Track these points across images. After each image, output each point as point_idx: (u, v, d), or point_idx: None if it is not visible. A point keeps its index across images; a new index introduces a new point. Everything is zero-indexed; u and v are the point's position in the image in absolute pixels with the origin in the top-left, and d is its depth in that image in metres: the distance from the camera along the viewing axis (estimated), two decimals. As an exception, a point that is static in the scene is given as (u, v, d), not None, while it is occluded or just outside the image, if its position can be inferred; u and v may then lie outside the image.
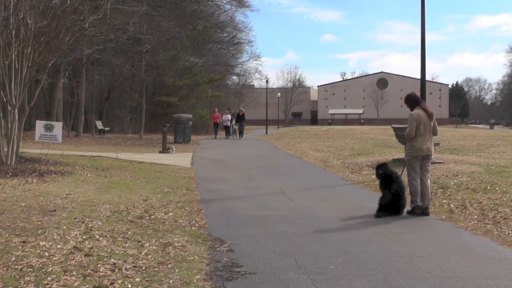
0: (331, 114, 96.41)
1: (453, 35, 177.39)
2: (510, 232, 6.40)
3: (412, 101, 8.04)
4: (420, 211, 7.63)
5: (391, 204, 7.56)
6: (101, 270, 4.54)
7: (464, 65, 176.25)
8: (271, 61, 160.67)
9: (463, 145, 19.35)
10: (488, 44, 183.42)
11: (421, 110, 7.89)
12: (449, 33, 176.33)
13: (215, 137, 32.38)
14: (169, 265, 4.87)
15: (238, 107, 43.00)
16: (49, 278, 4.21)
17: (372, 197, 9.45)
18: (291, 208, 8.26)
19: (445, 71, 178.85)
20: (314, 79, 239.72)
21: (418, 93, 8.58)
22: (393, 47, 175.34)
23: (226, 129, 33.25)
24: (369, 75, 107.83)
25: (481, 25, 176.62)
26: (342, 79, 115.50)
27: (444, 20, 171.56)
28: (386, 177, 7.82)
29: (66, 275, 4.31)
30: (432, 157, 8.03)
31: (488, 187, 9.24)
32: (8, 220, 6.12)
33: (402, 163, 10.04)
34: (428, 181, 7.91)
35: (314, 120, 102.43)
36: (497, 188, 9.07)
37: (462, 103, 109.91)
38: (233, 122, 32.99)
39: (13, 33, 11.60)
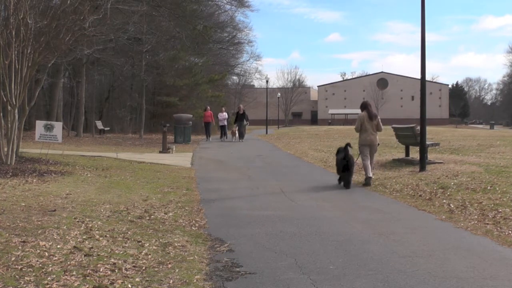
0: (331, 114, 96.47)
1: (458, 35, 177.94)
2: (510, 232, 6.39)
3: (363, 106, 11.52)
4: (369, 181, 10.80)
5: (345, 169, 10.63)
6: (101, 270, 4.53)
7: (467, 65, 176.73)
8: (274, 61, 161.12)
9: (463, 145, 19.35)
10: (492, 45, 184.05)
11: (365, 112, 11.27)
12: (454, 33, 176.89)
13: (208, 139, 28.74)
14: (169, 265, 4.87)
15: (238, 105, 37.18)
16: (49, 278, 4.21)
17: (373, 197, 9.47)
18: (291, 208, 8.26)
19: (448, 71, 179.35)
20: (314, 79, 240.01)
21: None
22: (397, 47, 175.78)
23: (222, 129, 29.75)
24: (369, 75, 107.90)
25: (487, 26, 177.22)
26: (342, 79, 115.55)
27: (449, 21, 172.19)
28: (345, 156, 10.65)
29: (66, 275, 4.31)
30: (377, 145, 11.32)
31: (488, 187, 9.24)
32: (8, 220, 6.12)
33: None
34: (373, 161, 11.39)
35: (314, 120, 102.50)
36: (497, 188, 9.06)
37: (462, 103, 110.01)
38: (227, 119, 29.64)
39: (13, 33, 11.59)
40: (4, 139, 12.18)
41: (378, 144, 11.49)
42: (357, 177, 12.13)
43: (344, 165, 10.52)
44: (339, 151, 11.27)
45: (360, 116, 11.32)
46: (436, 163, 12.86)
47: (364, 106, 11.48)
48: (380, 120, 11.36)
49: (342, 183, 10.76)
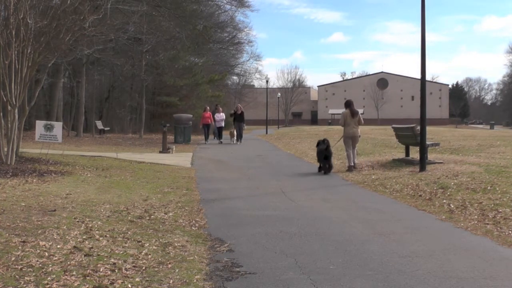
0: (331, 114, 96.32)
1: (460, 36, 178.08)
2: (510, 232, 6.39)
3: (347, 104, 13.78)
4: (351, 169, 13.03)
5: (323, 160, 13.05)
6: (101, 270, 4.53)
7: (468, 66, 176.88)
8: (276, 61, 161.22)
9: (463, 145, 19.33)
10: (495, 45, 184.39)
11: (348, 110, 13.51)
12: (456, 34, 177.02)
13: (206, 142, 26.89)
14: (169, 265, 4.87)
15: (236, 104, 32.57)
16: (49, 278, 4.21)
17: (373, 197, 9.47)
18: (291, 208, 8.26)
19: (450, 71, 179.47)
20: (314, 79, 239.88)
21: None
22: (398, 48, 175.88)
23: (219, 130, 27.50)
24: (369, 75, 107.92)
25: (490, 26, 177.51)
26: (342, 79, 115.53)
27: (451, 21, 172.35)
28: (327, 148, 13.01)
29: (66, 275, 4.31)
30: (358, 136, 13.63)
31: (488, 187, 9.23)
32: (8, 220, 6.12)
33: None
34: (356, 151, 13.70)
35: (314, 120, 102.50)
36: (497, 188, 9.06)
37: (462, 103, 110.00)
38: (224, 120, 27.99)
39: (13, 33, 11.59)
40: (4, 139, 12.18)
41: (359, 135, 13.78)
42: (356, 175, 12.15)
43: (325, 155, 12.92)
44: (318, 143, 13.45)
45: (344, 113, 13.64)
46: (436, 163, 12.85)
47: (348, 104, 13.72)
48: (360, 115, 13.76)
49: (322, 171, 12.99)
